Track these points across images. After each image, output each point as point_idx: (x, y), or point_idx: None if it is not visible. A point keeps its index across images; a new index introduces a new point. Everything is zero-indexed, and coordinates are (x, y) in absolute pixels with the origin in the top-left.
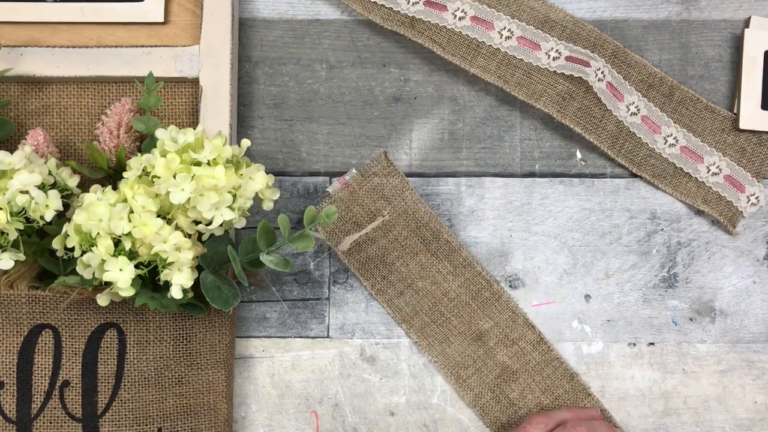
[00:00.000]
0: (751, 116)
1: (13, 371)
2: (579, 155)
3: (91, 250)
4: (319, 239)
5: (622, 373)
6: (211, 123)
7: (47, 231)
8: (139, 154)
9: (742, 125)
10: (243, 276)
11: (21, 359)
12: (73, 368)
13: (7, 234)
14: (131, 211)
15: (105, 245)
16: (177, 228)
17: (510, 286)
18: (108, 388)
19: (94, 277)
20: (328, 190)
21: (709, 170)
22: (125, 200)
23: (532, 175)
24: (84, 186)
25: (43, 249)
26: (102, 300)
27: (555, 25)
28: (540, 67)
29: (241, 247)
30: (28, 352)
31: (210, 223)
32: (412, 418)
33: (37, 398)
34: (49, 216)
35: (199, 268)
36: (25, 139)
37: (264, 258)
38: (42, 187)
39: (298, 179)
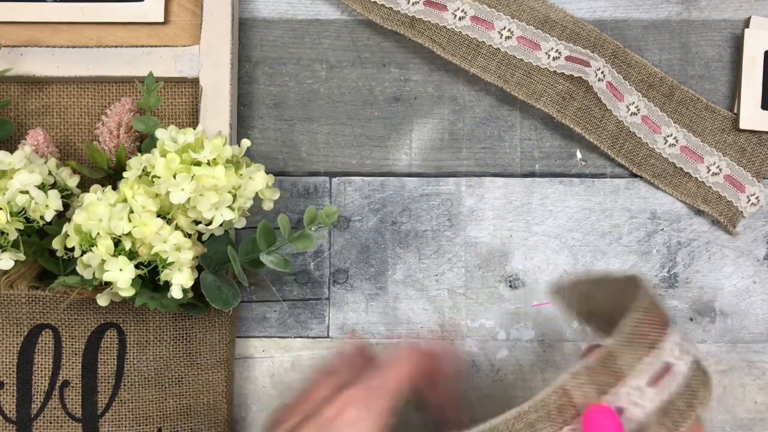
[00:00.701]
0: (751, 116)
1: (13, 371)
2: (579, 155)
3: (91, 250)
4: (319, 240)
5: None
6: (211, 123)
7: (47, 231)
8: (139, 154)
9: (742, 125)
10: (243, 276)
11: (21, 359)
12: (73, 368)
13: (7, 234)
14: (131, 211)
15: (105, 245)
16: (177, 228)
17: (510, 287)
18: (108, 388)
19: (94, 277)
20: None
21: (709, 170)
22: (125, 200)
23: (532, 175)
24: (84, 186)
25: (43, 249)
26: (102, 300)
27: (555, 25)
28: (540, 67)
29: (241, 247)
30: (28, 352)
31: (210, 223)
32: (412, 418)
33: (37, 398)
34: (49, 216)
35: (198, 268)
36: (25, 139)
37: (264, 258)
38: (42, 187)
39: (298, 179)
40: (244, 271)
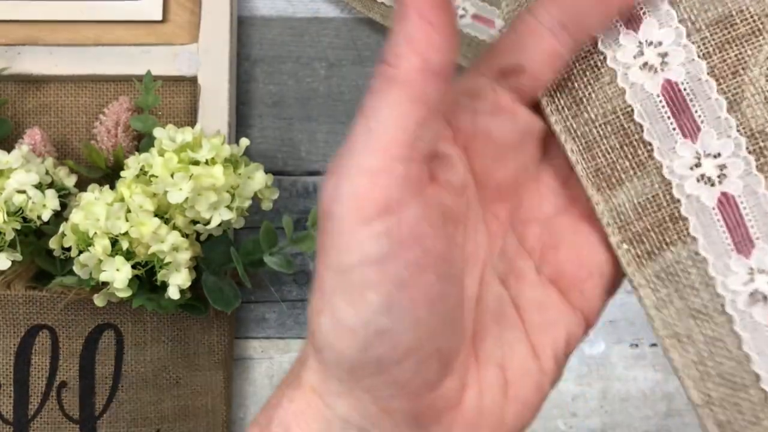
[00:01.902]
0: None
1: (10, 372)
2: None
3: (88, 249)
4: None
5: (624, 374)
6: (209, 122)
7: (44, 231)
8: (137, 153)
9: None
10: (246, 278)
11: (18, 360)
12: (70, 369)
13: (4, 234)
14: (129, 211)
15: (102, 245)
16: (175, 228)
17: None
18: (105, 390)
19: (91, 278)
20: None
21: None
22: (123, 199)
23: None
24: (81, 185)
25: (40, 249)
26: (99, 300)
27: None
28: None
29: (242, 247)
30: (25, 353)
31: (208, 222)
32: None
33: (34, 400)
34: (46, 216)
35: (196, 269)
36: (23, 138)
37: (267, 259)
38: (39, 186)
39: (297, 178)
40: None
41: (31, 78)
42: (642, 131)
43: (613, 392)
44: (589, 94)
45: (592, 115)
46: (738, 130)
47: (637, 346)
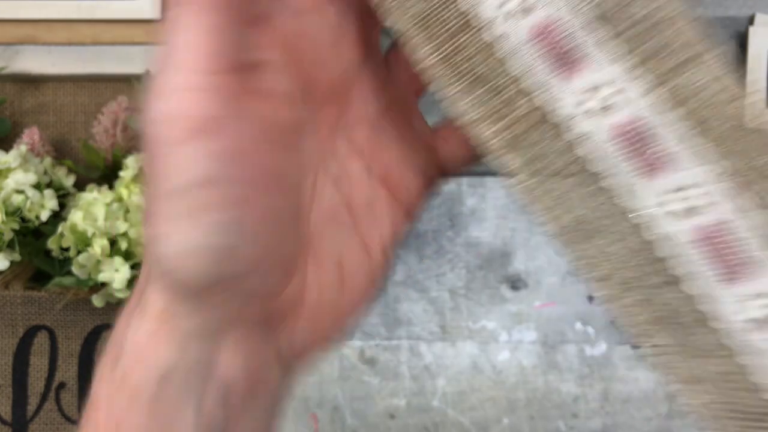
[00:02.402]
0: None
1: (9, 373)
2: None
3: (86, 250)
4: None
5: (625, 375)
6: None
7: (43, 231)
8: (135, 152)
9: (747, 124)
10: None
11: (16, 361)
12: (69, 370)
13: (3, 234)
14: (128, 211)
15: (101, 245)
16: None
17: (512, 287)
18: None
19: (89, 278)
20: None
21: None
22: (121, 199)
23: None
24: (80, 185)
25: (38, 249)
26: (97, 301)
27: None
28: None
29: None
30: (24, 354)
31: None
32: (412, 421)
33: (32, 400)
34: (44, 216)
35: None
36: (21, 137)
37: None
38: (37, 186)
39: None
40: None
41: (30, 77)
42: (601, 179)
43: (615, 393)
44: (542, 150)
45: (552, 171)
46: (710, 157)
47: (638, 346)
